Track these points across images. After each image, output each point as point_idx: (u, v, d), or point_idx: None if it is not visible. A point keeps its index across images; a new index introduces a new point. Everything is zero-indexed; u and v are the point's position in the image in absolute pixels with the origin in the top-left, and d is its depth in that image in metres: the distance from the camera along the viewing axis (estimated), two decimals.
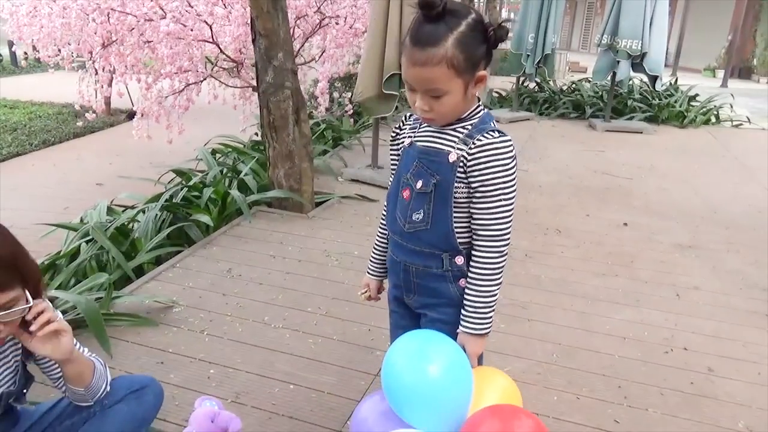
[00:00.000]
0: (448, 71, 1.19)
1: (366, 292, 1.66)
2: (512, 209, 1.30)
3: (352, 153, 5.74)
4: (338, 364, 2.25)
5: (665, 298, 2.91)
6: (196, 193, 3.98)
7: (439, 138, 1.33)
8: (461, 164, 1.28)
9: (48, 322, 1.35)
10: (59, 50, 10.31)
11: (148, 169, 5.34)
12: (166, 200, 3.64)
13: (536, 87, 9.18)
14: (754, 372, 2.30)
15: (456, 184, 1.29)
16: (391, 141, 1.51)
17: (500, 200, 1.27)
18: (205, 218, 3.48)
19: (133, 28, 6.27)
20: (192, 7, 6.21)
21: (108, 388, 1.60)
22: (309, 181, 3.94)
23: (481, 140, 1.26)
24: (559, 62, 14.95)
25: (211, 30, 6.16)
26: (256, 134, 6.09)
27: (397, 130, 1.48)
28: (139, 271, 3.07)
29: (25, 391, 1.51)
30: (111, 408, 1.59)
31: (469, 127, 1.30)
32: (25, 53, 18.45)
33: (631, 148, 6.37)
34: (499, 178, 1.26)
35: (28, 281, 1.31)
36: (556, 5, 7.31)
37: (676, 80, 9.59)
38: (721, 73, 15.14)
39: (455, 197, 1.30)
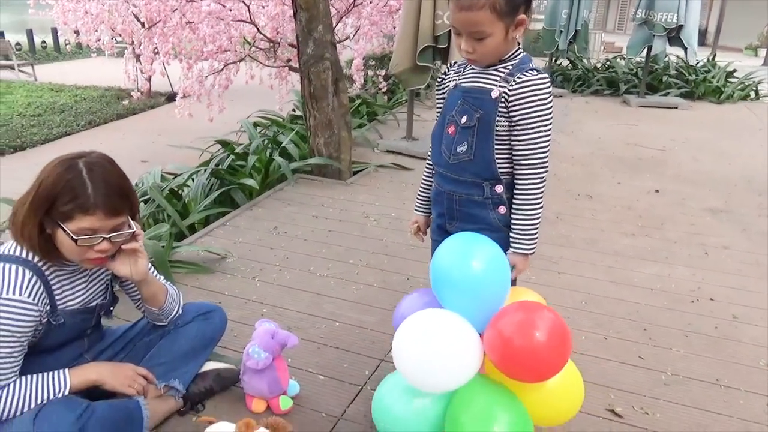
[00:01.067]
0: (491, 15, 1.34)
1: (415, 225, 1.80)
2: (550, 140, 1.45)
3: (387, 127, 5.89)
4: (379, 306, 2.43)
5: (693, 256, 3.00)
6: (240, 163, 4.20)
7: (482, 78, 1.48)
8: (503, 100, 1.43)
9: (135, 250, 1.57)
10: (99, 36, 10.72)
11: (190, 146, 5.58)
12: (214, 167, 3.87)
13: (569, 65, 9.15)
14: None
15: (498, 118, 1.44)
16: (437, 86, 1.66)
17: (540, 131, 1.42)
18: (251, 182, 3.70)
19: (175, 9, 6.51)
20: None
21: (180, 311, 1.81)
22: (347, 149, 4.12)
23: (521, 78, 1.41)
24: (593, 42, 14.75)
25: (249, 10, 6.36)
26: (294, 110, 6.28)
27: (443, 76, 1.63)
28: (191, 230, 3.29)
29: (111, 308, 1.73)
30: (183, 327, 1.80)
31: (510, 67, 1.44)
32: (67, 40, 19.07)
33: (666, 122, 6.36)
34: (538, 111, 1.41)
35: (133, 210, 1.52)
36: None
37: (714, 56, 9.42)
38: (763, 52, 14.73)
39: (497, 130, 1.45)
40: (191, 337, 1.80)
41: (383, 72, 7.36)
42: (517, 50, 1.46)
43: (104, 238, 1.45)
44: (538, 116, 1.41)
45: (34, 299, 1.44)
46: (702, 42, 18.15)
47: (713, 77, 8.29)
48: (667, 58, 9.03)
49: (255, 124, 5.20)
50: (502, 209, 1.52)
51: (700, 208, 3.70)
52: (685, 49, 6.91)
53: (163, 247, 2.58)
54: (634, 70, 8.66)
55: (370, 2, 6.72)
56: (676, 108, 7.18)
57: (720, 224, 3.45)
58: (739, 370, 2.06)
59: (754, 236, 3.27)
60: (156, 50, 7.28)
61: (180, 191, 3.73)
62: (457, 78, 1.56)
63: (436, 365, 1.29)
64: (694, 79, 8.19)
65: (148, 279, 1.66)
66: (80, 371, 1.56)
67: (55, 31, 17.94)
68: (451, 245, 1.38)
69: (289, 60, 6.85)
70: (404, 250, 2.99)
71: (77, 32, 11.43)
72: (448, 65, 1.65)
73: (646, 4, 6.90)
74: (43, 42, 18.14)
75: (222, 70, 6.93)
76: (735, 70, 8.64)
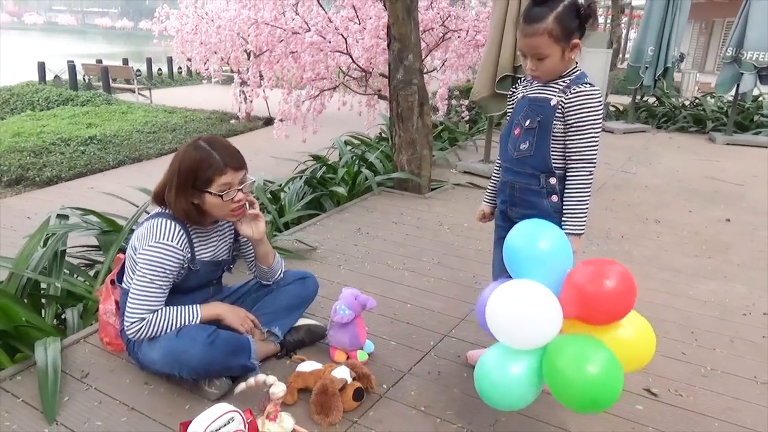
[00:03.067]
0: (549, 40, 1.69)
1: (481, 212, 2.15)
2: (599, 141, 1.76)
3: (466, 152, 6.24)
4: (446, 295, 2.76)
5: (754, 278, 3.10)
6: (331, 175, 4.69)
7: (545, 90, 1.82)
8: (560, 107, 1.76)
9: (257, 216, 2.03)
10: (205, 64, 11.85)
11: (285, 163, 6.17)
12: (308, 176, 4.37)
13: (656, 101, 9.15)
14: None
15: (555, 122, 1.77)
16: (508, 97, 2.02)
17: (590, 133, 1.74)
18: (340, 189, 4.16)
19: (281, 40, 7.24)
20: (331, 22, 7.08)
21: (282, 275, 2.24)
22: (428, 166, 4.51)
23: (576, 89, 1.74)
24: (688, 81, 14.46)
25: (346, 42, 6.98)
26: (380, 133, 6.76)
27: (514, 89, 1.99)
28: (285, 228, 3.77)
29: (232, 266, 2.19)
30: (284, 287, 2.23)
31: (567, 81, 1.78)
32: (180, 68, 20.82)
33: (750, 159, 6.29)
34: (590, 116, 1.72)
35: (246, 166, 1.96)
36: (679, 17, 7.36)
37: None
38: None
39: (553, 132, 1.78)
40: (290, 295, 2.22)
41: (466, 102, 7.76)
42: (574, 68, 1.79)
43: (238, 189, 1.91)
44: (590, 121, 1.72)
45: (180, 246, 1.91)
46: None
47: None
48: (760, 98, 8.85)
49: (345, 143, 5.71)
50: (555, 198, 1.83)
51: None
52: None
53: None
54: (724, 108, 8.54)
55: (458, 36, 7.17)
56: (765, 147, 7.04)
57: None
58: None
59: None
60: (261, 76, 8.08)
61: (278, 195, 4.24)
62: (525, 91, 1.91)
63: (528, 321, 1.51)
64: None
65: (263, 239, 2.10)
66: (208, 307, 2.01)
67: (170, 60, 19.83)
68: (522, 228, 1.66)
69: (379, 90, 7.40)
70: (473, 254, 3.30)
71: (189, 60, 12.75)
72: (519, 80, 2.00)
73: (735, 42, 6.89)
74: (159, 69, 20.03)
75: (318, 96, 7.60)
76: None
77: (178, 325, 1.91)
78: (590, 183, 1.78)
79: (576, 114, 1.73)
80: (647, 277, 3.05)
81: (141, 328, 1.89)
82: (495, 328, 1.58)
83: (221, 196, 1.88)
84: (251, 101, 10.40)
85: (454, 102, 8.10)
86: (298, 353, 2.19)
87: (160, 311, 1.90)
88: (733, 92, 7.25)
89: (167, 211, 1.96)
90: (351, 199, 4.33)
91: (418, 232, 3.67)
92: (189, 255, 1.97)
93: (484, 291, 1.79)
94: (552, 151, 1.80)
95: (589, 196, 1.79)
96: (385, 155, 5.18)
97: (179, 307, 1.95)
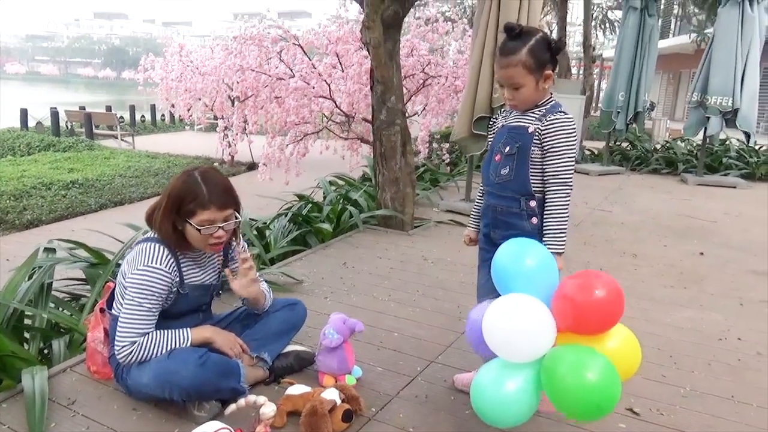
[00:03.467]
0: (523, 70, 1.82)
1: (467, 237, 2.25)
2: (573, 164, 1.87)
3: (448, 192, 6.38)
4: (432, 324, 2.81)
5: (729, 306, 3.21)
6: (316, 214, 4.76)
7: (522, 118, 1.94)
8: (537, 134, 1.87)
9: (250, 269, 2.10)
10: (189, 110, 12.06)
11: (269, 205, 6.23)
12: (293, 213, 4.44)
13: (629, 145, 9.48)
14: None
15: (533, 148, 1.88)
16: (489, 126, 2.15)
17: (567, 157, 1.85)
18: (325, 225, 4.22)
19: (266, 86, 7.43)
20: (315, 68, 7.31)
21: (269, 303, 2.28)
22: (411, 204, 4.61)
23: (551, 117, 1.86)
24: (659, 128, 15.01)
25: (329, 88, 7.19)
26: (364, 174, 6.89)
27: (494, 120, 2.12)
28: (271, 263, 3.81)
29: (220, 291, 2.23)
30: (274, 313, 2.27)
31: (543, 110, 1.90)
32: (162, 115, 21.05)
33: (721, 198, 6.53)
34: (565, 141, 1.84)
35: (237, 205, 2.04)
36: (647, 65, 7.76)
37: None
38: None
39: (531, 157, 1.89)
40: (279, 321, 2.25)
41: (446, 145, 7.97)
42: (549, 98, 1.92)
43: (219, 227, 1.96)
44: (565, 146, 1.84)
45: (168, 269, 1.95)
46: None
47: None
48: (728, 141, 9.23)
49: (330, 183, 5.81)
50: (534, 220, 1.92)
51: (742, 270, 3.89)
52: (746, 134, 7.14)
53: None
54: (694, 151, 8.88)
55: (438, 82, 7.44)
56: (734, 187, 7.32)
57: (760, 283, 3.63)
58: (754, 391, 2.27)
59: None
60: (246, 120, 8.24)
61: (264, 232, 4.29)
62: (504, 120, 2.03)
63: (526, 332, 1.58)
64: (755, 161, 8.32)
65: (258, 297, 2.15)
66: (198, 330, 2.04)
67: (153, 108, 20.05)
68: (509, 246, 1.75)
69: (362, 135, 7.57)
70: (457, 286, 3.37)
71: (173, 106, 12.93)
72: (499, 111, 2.13)
73: (700, 88, 7.24)
74: (143, 116, 20.19)
75: (301, 140, 7.75)
76: None
77: (169, 348, 1.93)
78: (568, 204, 1.88)
79: (552, 140, 1.84)
80: (627, 307, 3.06)
81: (132, 351, 1.91)
82: (492, 341, 1.63)
83: (200, 230, 1.93)
84: (235, 145, 10.53)
85: (435, 145, 8.31)
86: (287, 378, 2.20)
87: (150, 334, 1.93)
88: (701, 136, 7.58)
89: (155, 235, 2.01)
90: (336, 236, 4.39)
91: (403, 266, 3.73)
92: (177, 279, 2.00)
93: (471, 312, 1.85)
94: (531, 175, 1.90)
95: (568, 216, 1.88)
96: (368, 195, 5.28)
97: (170, 330, 1.97)
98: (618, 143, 9.70)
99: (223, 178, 2.04)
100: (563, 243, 1.88)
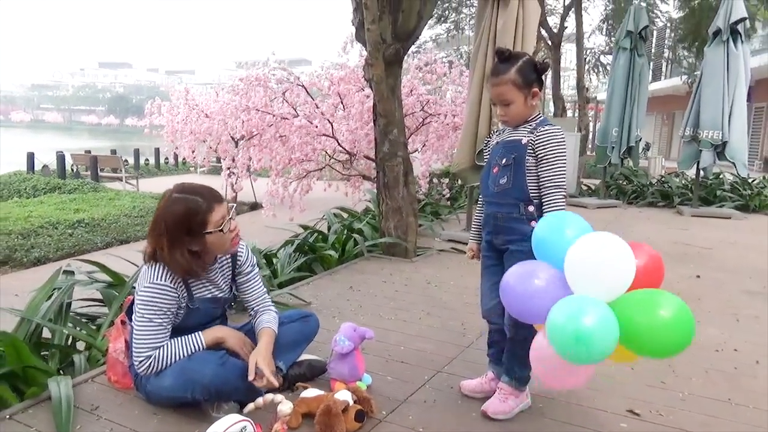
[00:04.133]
0: (513, 88, 2.01)
1: (471, 251, 2.38)
2: (565, 170, 2.02)
3: (449, 223, 6.53)
4: (438, 339, 2.90)
5: (725, 322, 3.31)
6: (321, 244, 4.89)
7: (515, 133, 2.11)
8: (530, 145, 2.04)
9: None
10: (194, 152, 12.29)
11: (274, 238, 6.36)
12: (300, 242, 4.57)
13: (624, 180, 9.69)
14: None
15: (527, 157, 2.04)
16: (484, 145, 2.31)
17: (559, 163, 2.00)
18: (331, 252, 4.35)
19: (271, 125, 7.67)
20: (318, 108, 7.57)
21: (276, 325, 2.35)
22: (413, 232, 4.75)
23: (541, 129, 2.03)
24: (654, 166, 15.31)
25: (332, 126, 7.43)
26: (366, 208, 7.04)
27: (488, 138, 2.28)
28: (279, 287, 3.91)
29: (233, 303, 2.34)
30: (288, 325, 2.37)
31: (534, 124, 2.07)
32: (166, 158, 21.36)
33: (716, 228, 6.67)
34: (556, 149, 2.00)
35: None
36: (638, 102, 8.04)
37: None
38: None
39: (527, 165, 2.04)
40: (294, 332, 2.36)
41: (446, 180, 8.17)
42: (537, 114, 2.10)
43: (231, 218, 2.09)
44: (557, 153, 2.00)
45: (173, 284, 2.06)
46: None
47: None
48: (722, 175, 9.44)
49: (334, 215, 5.96)
50: (533, 223, 2.02)
51: (738, 290, 3.99)
52: (734, 164, 7.34)
53: None
54: (689, 185, 9.07)
55: (437, 120, 7.68)
56: (729, 218, 7.47)
57: (755, 302, 3.73)
58: (750, 395, 2.36)
59: None
60: (250, 158, 8.45)
61: (271, 259, 4.41)
62: (498, 138, 2.19)
63: (615, 264, 1.64)
64: (748, 193, 8.50)
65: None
66: (210, 331, 2.13)
67: (157, 151, 20.40)
68: (550, 218, 1.89)
69: (364, 174, 7.77)
70: (460, 306, 3.47)
71: (177, 148, 13.20)
72: (491, 132, 2.29)
73: (692, 123, 7.49)
74: (146, 160, 20.53)
75: (305, 177, 7.95)
76: None
77: (184, 354, 2.02)
78: (564, 206, 2.01)
79: (544, 149, 2.00)
80: None
81: (150, 364, 2.01)
82: (580, 272, 1.65)
83: (221, 230, 2.05)
84: (240, 182, 10.73)
85: (435, 181, 8.50)
86: (301, 384, 2.29)
87: (164, 346, 2.02)
88: (695, 170, 7.79)
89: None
90: (341, 263, 4.51)
91: (407, 289, 3.84)
92: (185, 294, 2.11)
93: (505, 277, 1.83)
94: (528, 182, 2.05)
95: None
96: (371, 226, 5.42)
97: (182, 337, 2.06)
98: (614, 179, 9.91)
99: (198, 184, 2.13)
100: None
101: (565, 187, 2.02)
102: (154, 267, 2.06)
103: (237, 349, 2.12)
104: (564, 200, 2.02)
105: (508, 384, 2.13)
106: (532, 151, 2.03)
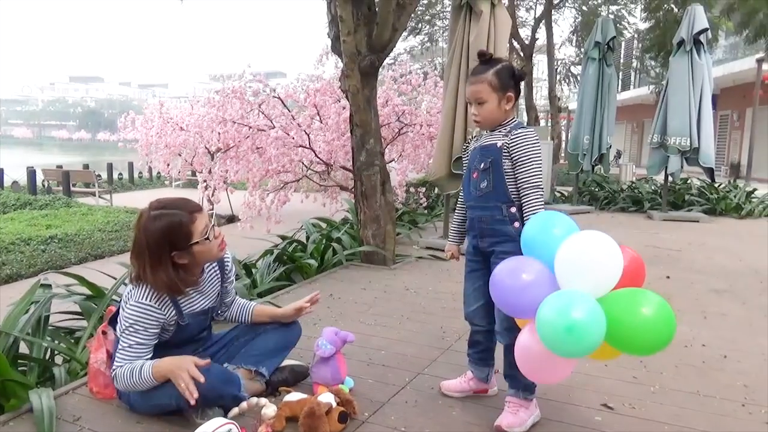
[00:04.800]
0: (488, 88, 2.07)
1: (449, 252, 2.43)
2: (541, 170, 2.07)
3: (426, 231, 6.60)
4: (418, 343, 2.95)
5: (693, 319, 3.42)
6: (299, 253, 4.92)
7: (490, 137, 2.16)
8: (505, 148, 2.08)
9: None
10: (168, 166, 12.20)
11: (252, 250, 6.36)
12: (279, 251, 4.59)
13: (596, 186, 9.92)
14: (763, 359, 2.78)
15: (503, 160, 2.08)
16: (463, 152, 2.38)
17: (534, 164, 2.05)
18: (311, 261, 4.38)
19: (248, 137, 7.69)
20: (294, 119, 7.61)
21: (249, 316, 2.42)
22: (392, 240, 4.81)
23: (515, 132, 2.08)
24: (625, 173, 15.66)
25: (309, 138, 7.48)
26: (344, 218, 7.09)
27: (467, 145, 2.34)
28: (259, 297, 3.93)
29: (219, 311, 2.36)
30: (271, 331, 2.41)
31: (508, 128, 2.12)
32: (140, 173, 21.15)
33: (685, 231, 6.87)
34: (530, 151, 2.05)
35: None
36: (608, 110, 8.27)
37: (735, 179, 10.03)
38: None
39: (504, 168, 2.09)
40: (276, 339, 2.39)
41: (423, 189, 8.26)
42: (512, 119, 2.15)
43: (213, 225, 2.12)
44: (531, 154, 2.05)
45: (159, 306, 2.07)
46: (737, 175, 18.85)
47: (735, 196, 8.84)
48: (689, 180, 9.72)
49: (312, 225, 5.99)
50: (517, 224, 2.08)
51: (705, 289, 4.13)
52: (711, 170, 7.57)
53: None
54: (659, 191, 9.32)
55: (413, 130, 7.79)
56: (697, 221, 7.69)
57: (722, 300, 3.87)
58: (718, 387, 2.46)
59: (752, 308, 3.68)
60: (227, 171, 8.44)
61: (251, 269, 4.42)
62: (475, 143, 2.25)
63: (606, 261, 1.76)
64: (715, 197, 8.77)
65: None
66: (157, 367, 2.00)
67: (131, 166, 20.17)
68: (538, 218, 1.96)
69: (341, 184, 7.82)
70: (439, 310, 3.53)
71: (151, 162, 13.08)
72: (468, 140, 2.36)
73: (659, 130, 7.72)
74: (120, 174, 20.28)
75: (282, 188, 7.97)
76: (755, 189, 9.18)
77: (134, 382, 2.00)
78: (541, 206, 2.05)
79: (518, 151, 2.05)
80: None
81: (114, 377, 2.05)
82: (571, 267, 1.73)
83: (207, 239, 2.08)
84: (216, 193, 10.71)
85: (412, 190, 8.59)
86: (284, 388, 2.32)
87: (125, 367, 2.01)
88: (663, 175, 8.02)
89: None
90: (320, 272, 4.54)
91: (387, 296, 3.89)
92: (173, 313, 2.12)
93: (495, 272, 1.89)
94: (507, 184, 2.09)
95: None
96: (350, 235, 5.46)
97: (138, 367, 2.01)
98: (586, 185, 10.13)
99: (172, 197, 2.12)
100: None
101: (542, 186, 2.07)
102: (139, 286, 2.06)
103: (178, 386, 1.93)
104: (542, 199, 2.06)
105: (515, 396, 2.11)
106: (507, 154, 2.07)
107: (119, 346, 2.05)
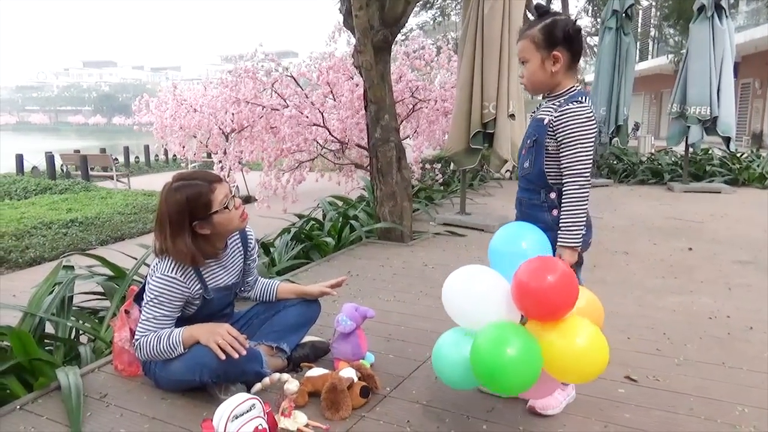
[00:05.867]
0: (531, 45, 1.85)
1: None
2: (590, 154, 1.81)
3: (443, 208, 6.56)
4: (438, 318, 2.93)
5: (717, 291, 3.37)
6: (317, 232, 4.92)
7: (544, 110, 1.92)
8: (551, 125, 1.85)
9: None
10: (184, 148, 12.23)
11: (269, 229, 6.38)
12: (296, 230, 4.60)
13: (615, 159, 9.77)
14: None
15: (547, 140, 1.86)
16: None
17: (579, 148, 1.80)
18: (328, 239, 4.38)
19: (262, 116, 7.66)
20: (308, 98, 7.56)
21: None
22: (408, 216, 4.79)
23: (564, 108, 1.82)
24: (644, 145, 15.41)
25: (323, 116, 7.43)
26: (360, 196, 7.07)
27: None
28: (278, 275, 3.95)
29: (242, 288, 2.37)
30: (291, 307, 2.42)
31: (561, 100, 1.86)
32: (156, 156, 21.25)
33: (706, 202, 6.75)
34: (577, 132, 1.79)
35: None
36: (625, 81, 8.09)
37: (759, 148, 9.80)
38: None
39: (547, 148, 1.87)
40: (296, 315, 2.40)
41: (438, 165, 8.20)
42: (570, 88, 1.87)
43: (233, 196, 2.12)
44: (577, 137, 1.79)
45: (184, 278, 2.09)
46: (759, 144, 18.45)
47: (758, 165, 8.65)
48: (710, 150, 9.53)
49: (329, 203, 5.99)
50: (555, 212, 1.89)
51: (729, 261, 4.07)
52: (727, 139, 7.40)
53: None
54: (679, 162, 9.15)
55: (427, 105, 7.70)
56: (719, 192, 7.55)
57: (746, 271, 3.80)
58: (744, 358, 2.42)
59: None
60: (241, 151, 8.44)
61: (269, 248, 4.44)
62: (533, 114, 2.05)
63: (471, 301, 1.74)
64: (737, 167, 8.59)
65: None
66: (187, 330, 2.06)
67: (147, 149, 20.29)
68: (506, 228, 1.89)
69: (356, 162, 7.78)
70: None
71: (166, 145, 13.12)
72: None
73: (679, 99, 7.55)
74: (137, 158, 20.43)
75: (297, 167, 7.96)
76: None
77: (162, 350, 2.03)
78: (583, 197, 1.83)
79: (564, 131, 1.81)
80: (620, 296, 3.29)
81: (137, 347, 2.07)
82: (446, 304, 1.83)
83: (227, 207, 2.08)
84: (231, 174, 10.75)
85: (428, 166, 8.54)
86: (303, 368, 2.33)
87: (151, 335, 2.05)
88: (683, 146, 7.86)
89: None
90: (338, 250, 4.55)
91: (405, 272, 3.88)
92: (198, 286, 2.14)
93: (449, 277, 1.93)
94: (547, 167, 1.89)
95: (583, 209, 1.83)
96: (366, 213, 5.45)
97: (167, 334, 2.04)
98: (604, 158, 9.97)
99: (193, 170, 2.17)
100: (575, 237, 1.84)
101: (586, 176, 1.82)
102: (164, 260, 2.09)
103: (211, 345, 1.97)
104: (584, 191, 1.83)
105: None
106: (552, 133, 1.85)
107: (142, 317, 2.07)
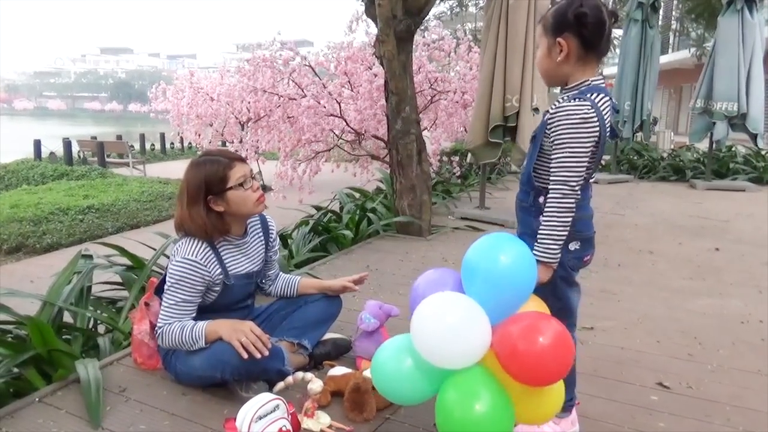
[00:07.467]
0: (541, 29, 1.63)
1: None
2: (580, 161, 1.55)
3: (461, 202, 6.48)
4: None
5: (748, 294, 3.27)
6: (334, 224, 4.87)
7: (552, 106, 1.64)
8: (548, 123, 1.61)
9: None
10: (200, 136, 12.24)
11: (286, 220, 6.33)
12: (314, 222, 4.55)
13: (635, 155, 9.60)
14: None
15: (543, 138, 1.64)
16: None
17: (567, 151, 1.54)
18: (346, 232, 4.33)
19: (279, 106, 7.61)
20: (325, 88, 7.49)
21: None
22: (428, 210, 4.71)
23: (559, 103, 1.59)
24: (663, 140, 15.18)
25: (340, 106, 7.36)
26: (377, 188, 7.00)
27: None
28: (297, 268, 3.90)
29: (263, 281, 2.33)
30: (312, 303, 2.36)
31: (569, 95, 1.60)
32: (172, 143, 21.32)
33: (731, 201, 6.60)
34: (565, 134, 1.54)
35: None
36: (650, 75, 7.92)
37: None
38: None
39: (542, 146, 1.65)
40: (318, 311, 2.35)
41: (456, 158, 8.11)
42: (582, 82, 1.60)
43: (253, 178, 2.10)
44: (567, 140, 1.54)
45: (204, 261, 2.05)
46: None
47: None
48: (734, 147, 9.33)
49: (346, 195, 5.93)
50: (541, 218, 1.62)
51: (758, 263, 3.95)
52: (754, 135, 7.21)
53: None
54: (701, 159, 8.97)
55: (446, 97, 7.60)
56: (744, 191, 7.39)
57: None
58: None
59: None
60: (258, 141, 8.40)
61: (287, 240, 4.40)
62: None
63: (448, 343, 1.48)
64: (763, 165, 8.40)
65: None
66: (210, 326, 2.01)
67: (162, 136, 20.36)
68: (483, 241, 1.62)
69: (372, 154, 7.71)
70: None
71: (181, 133, 13.13)
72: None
73: (704, 94, 7.37)
74: (152, 145, 20.51)
75: (314, 158, 7.91)
76: None
77: (183, 341, 1.99)
78: (561, 208, 1.57)
79: (555, 130, 1.58)
80: (648, 296, 3.20)
81: (160, 335, 2.04)
82: (416, 341, 1.59)
83: (242, 185, 2.05)
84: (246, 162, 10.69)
85: (445, 159, 8.45)
86: (327, 362, 2.29)
87: (173, 325, 2.01)
88: (706, 142, 7.69)
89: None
90: (356, 243, 4.49)
91: (425, 267, 3.79)
92: (219, 270, 2.10)
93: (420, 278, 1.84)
94: (537, 166, 1.67)
95: (564, 222, 1.58)
96: (384, 206, 5.39)
97: (189, 327, 2.00)
98: (625, 153, 9.82)
99: (219, 148, 2.17)
100: (549, 251, 1.59)
101: (571, 183, 1.56)
102: (189, 241, 2.06)
103: (233, 343, 1.93)
104: (563, 202, 1.57)
105: None
106: (548, 131, 1.61)
107: (164, 304, 2.04)
